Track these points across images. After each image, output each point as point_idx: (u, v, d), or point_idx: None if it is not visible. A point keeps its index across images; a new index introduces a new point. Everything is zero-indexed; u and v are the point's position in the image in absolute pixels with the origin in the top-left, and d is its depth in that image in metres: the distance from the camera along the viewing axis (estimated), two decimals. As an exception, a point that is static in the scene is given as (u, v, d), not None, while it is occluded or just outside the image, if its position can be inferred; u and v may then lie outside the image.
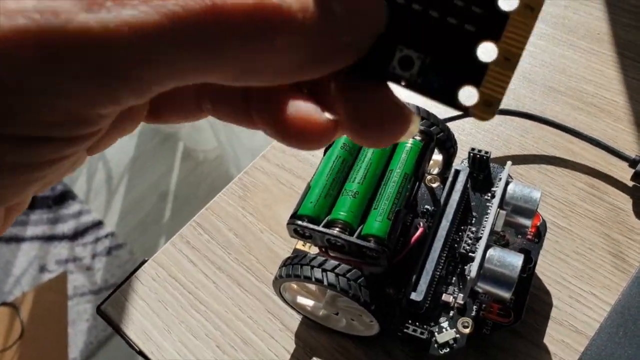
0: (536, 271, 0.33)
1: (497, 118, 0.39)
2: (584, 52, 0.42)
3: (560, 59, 0.42)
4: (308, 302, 0.32)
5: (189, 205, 1.29)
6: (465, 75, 0.13)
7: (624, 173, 0.35)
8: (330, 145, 0.30)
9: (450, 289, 0.31)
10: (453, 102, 0.13)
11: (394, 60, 0.14)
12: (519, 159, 0.38)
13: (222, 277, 0.36)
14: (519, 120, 0.39)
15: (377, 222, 0.27)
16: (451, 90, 0.13)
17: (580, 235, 0.34)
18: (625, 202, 0.35)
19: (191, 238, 0.38)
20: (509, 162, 0.31)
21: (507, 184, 0.30)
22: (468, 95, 0.13)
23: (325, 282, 0.27)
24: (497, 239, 0.31)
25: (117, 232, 1.27)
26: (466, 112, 0.13)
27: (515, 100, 0.40)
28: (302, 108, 0.15)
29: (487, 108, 0.13)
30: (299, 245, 0.31)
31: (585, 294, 0.32)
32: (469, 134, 0.39)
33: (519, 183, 0.30)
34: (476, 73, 0.13)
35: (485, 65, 0.13)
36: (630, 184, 0.35)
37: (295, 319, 0.33)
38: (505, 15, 0.13)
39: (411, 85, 0.14)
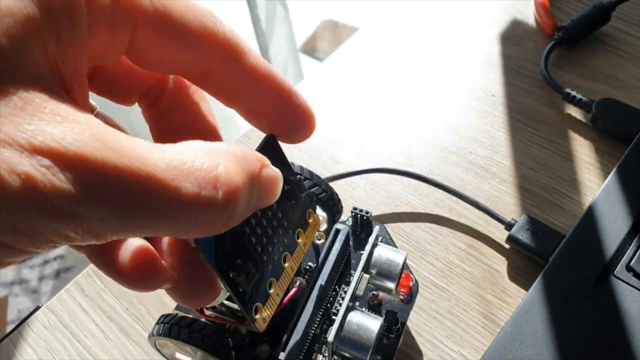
0: (412, 329, 0.34)
1: (390, 176, 0.41)
2: (478, 113, 0.44)
3: (454, 119, 0.44)
4: (186, 358, 0.33)
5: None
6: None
7: (501, 235, 0.37)
8: None
9: (324, 348, 0.31)
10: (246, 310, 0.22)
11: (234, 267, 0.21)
12: (406, 217, 0.39)
13: (112, 327, 0.36)
14: (409, 179, 0.40)
15: None
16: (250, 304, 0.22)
17: (455, 295, 0.35)
18: (500, 263, 0.36)
19: (86, 286, 0.38)
20: (377, 227, 0.32)
21: (374, 247, 0.31)
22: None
23: (192, 342, 0.28)
24: (370, 299, 0.32)
25: (66, 255, 1.26)
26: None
27: (408, 158, 0.42)
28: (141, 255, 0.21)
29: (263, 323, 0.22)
30: None
31: (455, 354, 0.33)
32: (363, 190, 0.40)
33: (385, 247, 0.31)
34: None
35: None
36: (507, 246, 0.37)
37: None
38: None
39: (230, 283, 0.21)
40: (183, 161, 0.15)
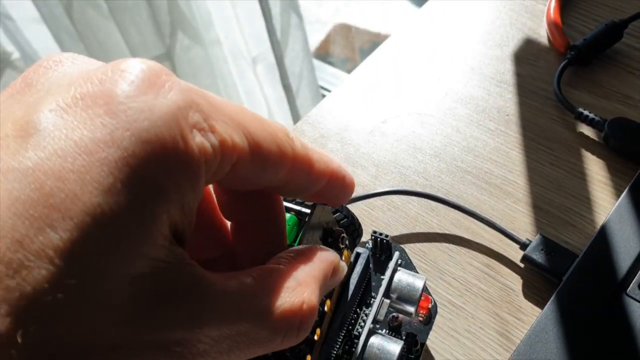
0: (430, 347, 0.36)
1: (408, 197, 0.42)
2: (492, 133, 0.45)
3: (470, 139, 0.45)
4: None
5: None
6: None
7: (517, 254, 0.38)
8: None
9: None
10: None
11: None
12: (423, 237, 0.40)
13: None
14: (426, 200, 0.42)
15: None
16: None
17: (472, 313, 0.37)
18: (515, 282, 0.38)
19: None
20: (397, 253, 0.33)
21: (394, 272, 0.33)
22: None
23: None
24: (390, 321, 0.34)
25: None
26: None
27: (425, 179, 0.43)
28: None
29: None
30: None
31: (472, 372, 0.34)
32: (381, 211, 0.42)
33: (405, 272, 0.32)
34: None
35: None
36: (521, 265, 0.38)
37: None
38: None
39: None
40: (276, 307, 0.19)
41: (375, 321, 0.32)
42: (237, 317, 0.18)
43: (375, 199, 0.42)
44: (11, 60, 1.72)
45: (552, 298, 0.35)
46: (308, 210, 0.33)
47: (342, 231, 0.31)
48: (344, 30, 1.78)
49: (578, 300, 0.35)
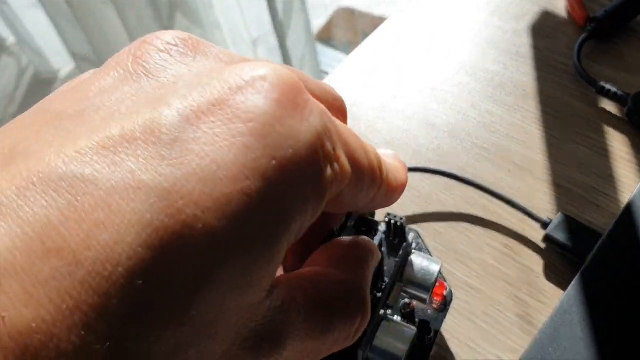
0: (447, 331, 0.34)
1: (420, 175, 0.40)
2: (509, 109, 0.43)
3: (486, 115, 0.43)
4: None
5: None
6: None
7: (537, 234, 0.36)
8: None
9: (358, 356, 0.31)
10: None
11: None
12: (438, 217, 0.38)
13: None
14: (441, 177, 0.40)
15: None
16: None
17: (491, 296, 0.35)
18: (536, 263, 0.36)
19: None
20: (411, 234, 0.31)
21: (407, 255, 0.31)
22: None
23: None
24: (403, 307, 0.32)
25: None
26: None
27: (439, 156, 0.41)
28: None
29: None
30: None
31: (491, 357, 0.33)
32: (393, 189, 0.40)
33: (420, 255, 0.31)
34: None
35: None
36: (542, 245, 0.36)
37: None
38: None
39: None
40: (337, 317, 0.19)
41: (386, 306, 0.30)
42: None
43: (387, 177, 0.40)
44: (7, 45, 1.69)
45: (576, 278, 0.33)
46: None
47: (376, 222, 0.30)
48: (347, 14, 1.75)
49: (604, 281, 0.33)
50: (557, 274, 0.35)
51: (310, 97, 0.16)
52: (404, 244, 0.31)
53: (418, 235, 0.33)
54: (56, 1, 1.07)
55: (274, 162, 0.14)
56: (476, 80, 0.45)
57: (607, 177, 0.38)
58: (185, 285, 0.12)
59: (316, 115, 0.16)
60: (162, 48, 0.16)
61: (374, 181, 0.19)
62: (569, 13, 0.48)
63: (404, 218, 0.33)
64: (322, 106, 0.16)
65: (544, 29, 0.47)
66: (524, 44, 0.47)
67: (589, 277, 0.33)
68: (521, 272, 0.35)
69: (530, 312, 0.34)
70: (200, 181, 0.13)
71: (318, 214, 0.16)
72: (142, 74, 0.16)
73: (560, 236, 0.35)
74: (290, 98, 0.15)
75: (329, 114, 0.17)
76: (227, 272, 0.13)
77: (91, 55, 1.24)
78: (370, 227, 0.31)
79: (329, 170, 0.16)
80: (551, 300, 0.34)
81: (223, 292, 0.13)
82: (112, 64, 0.16)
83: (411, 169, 0.40)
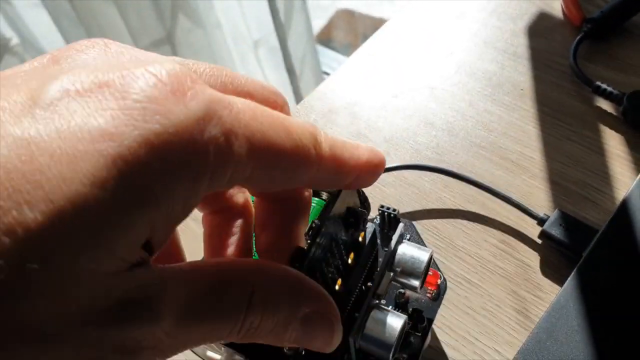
0: (445, 325, 0.35)
1: (420, 173, 0.41)
2: (507, 108, 0.44)
3: (484, 113, 0.43)
4: (216, 357, 0.33)
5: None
6: None
7: (534, 230, 0.37)
8: None
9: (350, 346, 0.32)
10: None
11: None
12: (437, 213, 0.39)
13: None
14: (440, 175, 0.40)
15: None
16: None
17: (488, 291, 0.35)
18: (533, 259, 0.36)
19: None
20: (400, 224, 0.32)
21: (398, 244, 0.31)
22: None
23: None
24: (397, 296, 0.32)
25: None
26: None
27: (438, 154, 0.42)
28: None
29: None
30: None
31: (489, 350, 0.33)
32: (393, 187, 0.41)
33: (410, 244, 0.31)
34: None
35: None
36: (539, 241, 0.37)
37: None
38: None
39: None
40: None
41: (377, 295, 0.30)
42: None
43: (387, 174, 0.41)
44: (10, 46, 1.70)
45: (572, 274, 0.33)
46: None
47: (364, 212, 0.31)
48: (346, 16, 1.76)
49: (600, 276, 0.33)
50: (553, 270, 0.36)
51: (200, 87, 0.17)
52: (393, 234, 0.32)
53: (411, 226, 0.34)
54: (59, 1, 1.08)
55: (136, 132, 0.14)
56: (474, 80, 0.46)
57: (603, 175, 0.39)
58: (28, 232, 0.13)
59: (199, 102, 0.16)
60: (79, 48, 0.18)
61: (301, 162, 0.20)
62: (564, 14, 0.48)
63: (398, 210, 0.33)
64: (213, 94, 0.17)
65: (540, 30, 0.48)
66: (521, 44, 0.47)
67: (586, 272, 0.34)
68: (518, 268, 0.36)
69: (527, 307, 0.35)
70: (59, 138, 0.14)
71: (198, 194, 0.17)
72: (51, 63, 0.17)
73: (557, 232, 0.36)
74: (171, 84, 0.16)
75: (225, 103, 0.17)
76: (74, 227, 0.14)
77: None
78: (358, 218, 0.31)
79: (209, 152, 0.16)
80: (548, 295, 0.35)
81: (64, 247, 0.14)
82: (34, 59, 0.18)
83: (410, 166, 0.40)
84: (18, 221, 0.13)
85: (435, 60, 0.48)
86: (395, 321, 0.29)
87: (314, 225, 0.29)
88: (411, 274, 0.31)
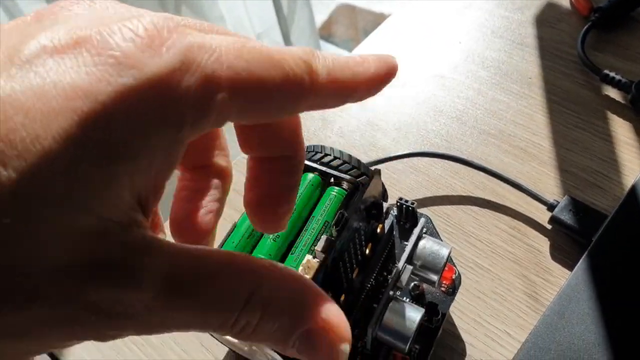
0: (456, 309, 0.35)
1: (430, 160, 0.41)
2: (515, 96, 0.44)
3: (492, 102, 0.44)
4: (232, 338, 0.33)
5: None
6: None
7: (544, 216, 0.37)
8: None
9: (362, 334, 0.32)
10: None
11: None
12: (446, 200, 0.39)
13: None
14: (450, 162, 0.41)
15: (292, 266, 0.29)
16: None
17: (499, 275, 0.36)
18: (543, 244, 0.37)
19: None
20: (422, 219, 0.32)
21: (419, 239, 0.32)
22: None
23: None
24: (412, 289, 0.33)
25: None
26: None
27: (447, 141, 0.42)
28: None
29: None
30: None
31: (500, 333, 0.34)
32: (403, 174, 0.41)
33: (430, 239, 0.32)
34: None
35: None
36: (549, 226, 0.37)
37: (226, 354, 0.35)
38: None
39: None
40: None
41: (396, 287, 0.31)
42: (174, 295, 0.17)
43: (397, 162, 0.41)
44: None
45: (583, 257, 0.34)
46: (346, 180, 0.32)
47: (382, 204, 0.31)
48: (347, 11, 1.76)
49: (610, 260, 0.34)
50: (562, 254, 0.36)
51: (177, 36, 0.16)
52: (415, 228, 0.32)
53: (429, 220, 0.34)
54: (61, -5, 1.08)
55: (109, 87, 0.15)
56: (483, 69, 0.46)
57: (611, 162, 0.39)
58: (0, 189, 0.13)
59: (175, 50, 0.16)
60: (63, 4, 0.18)
61: (294, 92, 0.19)
62: (572, 4, 0.49)
63: (416, 203, 0.34)
64: (192, 43, 0.17)
65: (548, 19, 0.48)
66: (529, 34, 0.48)
67: (596, 256, 0.34)
68: (528, 253, 0.37)
69: (537, 290, 0.35)
70: (34, 95, 0.14)
71: (179, 143, 0.17)
72: (34, 21, 0.17)
73: (567, 217, 0.36)
74: (148, 37, 0.16)
75: (206, 47, 0.17)
76: (46, 183, 0.14)
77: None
78: (380, 210, 0.32)
79: (186, 102, 0.16)
80: (557, 279, 0.35)
81: (39, 204, 0.14)
82: (19, 17, 0.18)
83: (420, 154, 0.41)
84: None
85: (444, 49, 0.48)
86: (414, 314, 0.29)
87: (341, 216, 0.29)
88: (430, 268, 0.31)
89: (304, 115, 0.40)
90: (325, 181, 0.33)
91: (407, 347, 0.29)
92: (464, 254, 0.37)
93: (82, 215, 0.15)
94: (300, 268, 0.27)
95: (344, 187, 0.32)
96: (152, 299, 0.16)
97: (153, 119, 0.15)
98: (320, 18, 1.74)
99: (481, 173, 0.40)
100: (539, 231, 0.37)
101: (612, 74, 0.42)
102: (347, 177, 0.32)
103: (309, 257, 0.28)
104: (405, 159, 0.41)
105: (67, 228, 0.14)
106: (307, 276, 0.27)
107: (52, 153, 0.14)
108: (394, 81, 0.46)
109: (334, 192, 0.32)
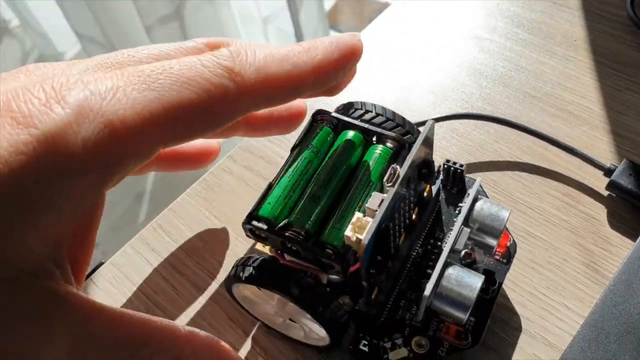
0: (509, 281, 0.32)
1: (472, 123, 0.38)
2: (560, 59, 0.41)
3: (536, 64, 0.41)
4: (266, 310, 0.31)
5: (165, 207, 1.26)
6: None
7: (599, 182, 0.35)
8: (297, 145, 0.29)
9: (409, 305, 0.29)
10: None
11: None
12: (492, 165, 0.36)
13: (182, 282, 0.34)
14: (494, 126, 0.38)
15: (334, 230, 0.26)
16: None
17: (553, 244, 0.33)
18: (599, 211, 0.34)
19: (151, 240, 0.36)
20: (478, 179, 0.29)
21: (475, 200, 0.29)
22: None
23: (257, 282, 0.26)
24: (464, 257, 0.30)
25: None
26: None
27: (491, 105, 0.39)
28: None
29: None
30: (259, 246, 0.30)
31: (558, 306, 0.31)
32: (443, 138, 0.38)
33: (488, 201, 0.29)
34: None
35: None
36: (605, 193, 0.34)
37: (257, 328, 0.32)
38: None
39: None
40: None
41: (452, 251, 0.28)
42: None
43: (437, 125, 0.38)
44: (10, 28, 1.66)
45: (649, 224, 0.31)
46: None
47: (434, 162, 0.29)
48: (351, 0, 1.73)
49: (678, 226, 0.31)
50: (622, 222, 0.33)
51: (73, 92, 0.17)
52: (470, 189, 0.29)
53: (479, 185, 0.32)
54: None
55: (10, 146, 0.16)
56: (524, 31, 0.43)
57: (669, 125, 0.37)
58: None
59: (69, 106, 0.17)
60: (7, 75, 0.20)
61: (216, 103, 0.19)
62: (618, -37, 0.46)
63: (465, 165, 0.31)
64: (87, 93, 0.17)
65: (592, -21, 0.45)
66: (572, -6, 0.45)
67: (661, 223, 0.31)
68: (584, 221, 0.34)
69: (596, 261, 0.32)
70: None
71: (90, 190, 0.17)
72: None
73: (627, 182, 0.33)
74: (46, 98, 0.17)
75: (103, 94, 0.17)
76: None
77: (99, 36, 1.21)
78: (431, 169, 0.29)
79: (84, 152, 0.17)
80: (618, 249, 0.32)
81: None
82: None
83: (462, 116, 0.38)
84: None
85: (480, 9, 0.45)
86: (474, 280, 0.26)
87: (393, 171, 0.26)
88: (489, 232, 0.28)
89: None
90: (367, 139, 0.30)
91: (466, 317, 0.26)
92: (514, 222, 0.34)
93: None
94: (350, 227, 0.24)
95: (388, 145, 0.29)
96: (65, 355, 0.17)
97: (53, 171, 0.16)
98: (326, 6, 1.71)
99: (529, 137, 0.37)
100: (594, 198, 0.34)
101: (666, 33, 0.39)
102: (392, 134, 0.29)
103: (358, 214, 0.25)
104: (446, 122, 0.38)
105: None
106: (359, 236, 0.24)
107: None
108: (426, 43, 0.43)
109: (377, 149, 0.29)
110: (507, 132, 0.37)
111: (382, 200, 0.25)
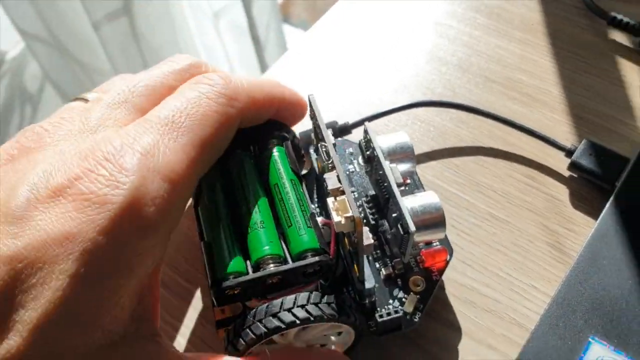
0: (475, 263, 0.32)
1: (433, 109, 0.38)
2: (518, 43, 0.41)
3: (495, 49, 0.41)
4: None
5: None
6: None
7: (560, 163, 0.35)
8: (196, 202, 0.27)
9: (383, 261, 0.29)
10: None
11: None
12: (455, 151, 0.36)
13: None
14: (455, 112, 0.38)
15: (301, 237, 0.25)
16: None
17: (518, 226, 0.33)
18: (562, 192, 0.34)
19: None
20: (366, 123, 0.30)
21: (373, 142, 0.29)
22: None
23: (298, 321, 0.22)
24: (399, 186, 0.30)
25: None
26: None
27: (451, 90, 0.39)
28: None
29: None
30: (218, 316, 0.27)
31: (525, 287, 0.31)
32: (405, 126, 0.38)
33: (382, 135, 0.30)
34: None
35: None
36: (567, 174, 0.35)
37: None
38: None
39: None
40: None
41: (398, 185, 0.27)
42: None
43: (400, 114, 0.38)
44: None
45: (609, 202, 0.31)
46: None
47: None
48: (306, -8, 1.72)
49: (638, 202, 0.32)
50: (584, 202, 0.34)
51: (129, 159, 0.19)
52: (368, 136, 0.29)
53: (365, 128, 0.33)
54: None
55: (92, 225, 0.17)
56: (482, 15, 0.43)
57: (625, 106, 0.37)
58: (27, 326, 0.16)
59: (132, 175, 0.18)
60: (29, 136, 0.21)
61: (227, 131, 0.23)
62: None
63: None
64: (142, 157, 0.19)
65: (546, -35, 0.46)
66: (527, -20, 0.45)
67: (623, 200, 0.32)
68: (547, 202, 0.34)
69: (560, 241, 0.33)
70: (34, 249, 0.17)
71: (161, 242, 0.19)
72: (12, 158, 0.20)
73: (587, 162, 0.34)
74: (110, 174, 0.18)
75: (153, 155, 0.19)
76: (57, 317, 0.17)
77: (43, 33, 1.17)
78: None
79: (154, 205, 0.19)
80: (581, 228, 0.33)
81: (55, 331, 0.17)
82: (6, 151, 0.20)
83: (423, 103, 0.38)
84: (19, 321, 0.17)
85: (438, -2, 0.45)
86: (431, 198, 0.27)
87: (322, 147, 0.27)
88: (404, 158, 0.30)
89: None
90: (251, 151, 0.29)
91: (445, 232, 0.28)
92: (478, 205, 0.34)
93: (93, 333, 0.17)
94: (334, 214, 0.23)
95: (274, 144, 0.29)
96: None
97: (135, 234, 0.18)
98: None
99: (490, 121, 0.37)
100: (556, 179, 0.35)
101: (619, 17, 0.40)
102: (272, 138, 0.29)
103: (329, 200, 0.24)
104: (408, 110, 0.38)
105: (80, 347, 0.17)
106: (348, 214, 0.23)
107: (58, 292, 0.17)
108: (386, 32, 0.43)
109: (274, 152, 0.28)
110: (468, 118, 0.38)
111: (337, 175, 0.24)
